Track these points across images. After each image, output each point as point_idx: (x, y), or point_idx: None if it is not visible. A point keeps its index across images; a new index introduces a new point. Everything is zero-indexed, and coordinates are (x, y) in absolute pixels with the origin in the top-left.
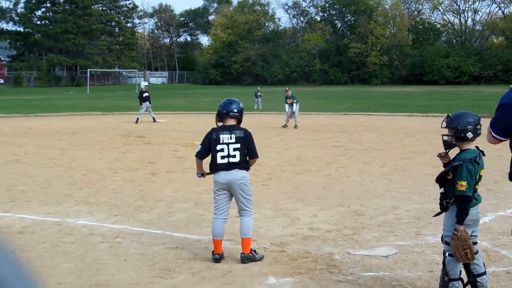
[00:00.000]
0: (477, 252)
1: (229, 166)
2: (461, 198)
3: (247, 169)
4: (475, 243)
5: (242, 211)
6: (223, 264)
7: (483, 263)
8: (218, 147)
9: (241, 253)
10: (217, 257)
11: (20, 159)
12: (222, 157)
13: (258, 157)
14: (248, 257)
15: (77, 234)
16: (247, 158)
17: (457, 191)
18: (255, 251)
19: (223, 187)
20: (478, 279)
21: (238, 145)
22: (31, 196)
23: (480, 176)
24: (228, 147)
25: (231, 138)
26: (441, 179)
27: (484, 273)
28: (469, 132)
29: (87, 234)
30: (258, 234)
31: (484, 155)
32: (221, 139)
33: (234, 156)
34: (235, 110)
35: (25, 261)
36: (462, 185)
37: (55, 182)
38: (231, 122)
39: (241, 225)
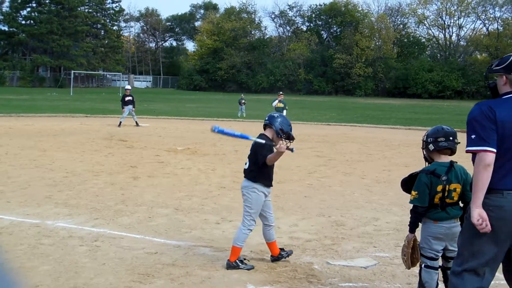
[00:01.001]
0: None
1: (244, 173)
2: (413, 207)
3: (253, 180)
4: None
5: (242, 218)
6: (202, 270)
7: None
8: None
9: (228, 259)
10: (272, 259)
11: (0, 159)
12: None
13: (260, 162)
14: (230, 265)
15: (56, 237)
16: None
17: (410, 199)
18: (242, 260)
19: None
20: None
21: (250, 152)
22: (11, 196)
23: (450, 191)
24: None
25: (252, 145)
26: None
27: None
28: (430, 144)
29: (66, 236)
30: None
31: (454, 168)
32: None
33: (246, 163)
34: (266, 118)
35: (6, 263)
36: (412, 194)
37: (35, 184)
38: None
39: (236, 232)
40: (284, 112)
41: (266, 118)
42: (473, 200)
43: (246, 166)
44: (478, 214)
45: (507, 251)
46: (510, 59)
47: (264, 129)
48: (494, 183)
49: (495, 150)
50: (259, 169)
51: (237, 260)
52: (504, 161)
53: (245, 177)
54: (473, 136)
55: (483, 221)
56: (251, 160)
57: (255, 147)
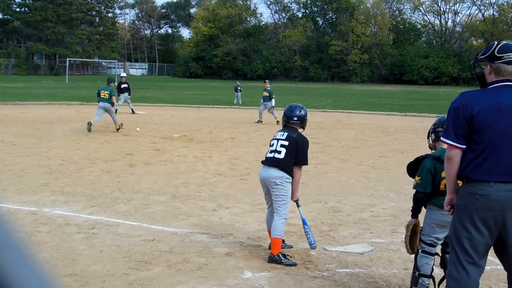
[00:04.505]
0: None
1: (272, 162)
2: (414, 193)
3: (286, 171)
4: None
5: (275, 210)
6: (199, 257)
7: None
8: (271, 142)
9: (270, 252)
10: (269, 246)
11: None
12: (271, 152)
13: (305, 164)
14: (273, 259)
15: (53, 224)
16: (293, 163)
17: (413, 184)
18: (284, 255)
19: (261, 183)
20: None
21: (286, 143)
22: (7, 184)
23: None
24: (277, 143)
25: (283, 135)
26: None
27: None
28: (432, 134)
29: (63, 224)
30: (235, 228)
31: None
32: (276, 135)
33: (279, 152)
34: (295, 119)
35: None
36: (416, 179)
37: (31, 171)
38: (293, 125)
39: (272, 224)
40: (273, 101)
41: (297, 116)
42: (446, 187)
43: (282, 156)
44: (450, 199)
45: (497, 239)
46: (493, 48)
47: (290, 121)
48: (481, 176)
49: (461, 146)
50: (292, 164)
51: (279, 254)
52: (488, 152)
53: (276, 166)
54: (447, 127)
55: (450, 207)
56: (288, 150)
57: (299, 144)
